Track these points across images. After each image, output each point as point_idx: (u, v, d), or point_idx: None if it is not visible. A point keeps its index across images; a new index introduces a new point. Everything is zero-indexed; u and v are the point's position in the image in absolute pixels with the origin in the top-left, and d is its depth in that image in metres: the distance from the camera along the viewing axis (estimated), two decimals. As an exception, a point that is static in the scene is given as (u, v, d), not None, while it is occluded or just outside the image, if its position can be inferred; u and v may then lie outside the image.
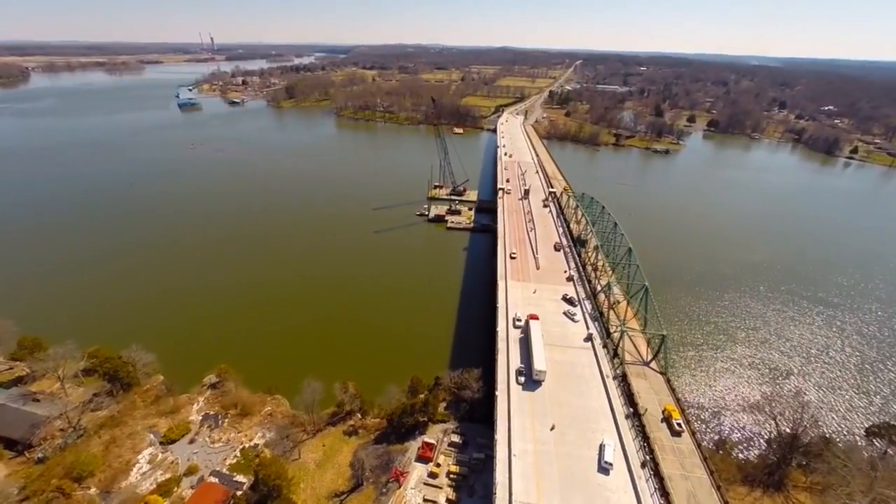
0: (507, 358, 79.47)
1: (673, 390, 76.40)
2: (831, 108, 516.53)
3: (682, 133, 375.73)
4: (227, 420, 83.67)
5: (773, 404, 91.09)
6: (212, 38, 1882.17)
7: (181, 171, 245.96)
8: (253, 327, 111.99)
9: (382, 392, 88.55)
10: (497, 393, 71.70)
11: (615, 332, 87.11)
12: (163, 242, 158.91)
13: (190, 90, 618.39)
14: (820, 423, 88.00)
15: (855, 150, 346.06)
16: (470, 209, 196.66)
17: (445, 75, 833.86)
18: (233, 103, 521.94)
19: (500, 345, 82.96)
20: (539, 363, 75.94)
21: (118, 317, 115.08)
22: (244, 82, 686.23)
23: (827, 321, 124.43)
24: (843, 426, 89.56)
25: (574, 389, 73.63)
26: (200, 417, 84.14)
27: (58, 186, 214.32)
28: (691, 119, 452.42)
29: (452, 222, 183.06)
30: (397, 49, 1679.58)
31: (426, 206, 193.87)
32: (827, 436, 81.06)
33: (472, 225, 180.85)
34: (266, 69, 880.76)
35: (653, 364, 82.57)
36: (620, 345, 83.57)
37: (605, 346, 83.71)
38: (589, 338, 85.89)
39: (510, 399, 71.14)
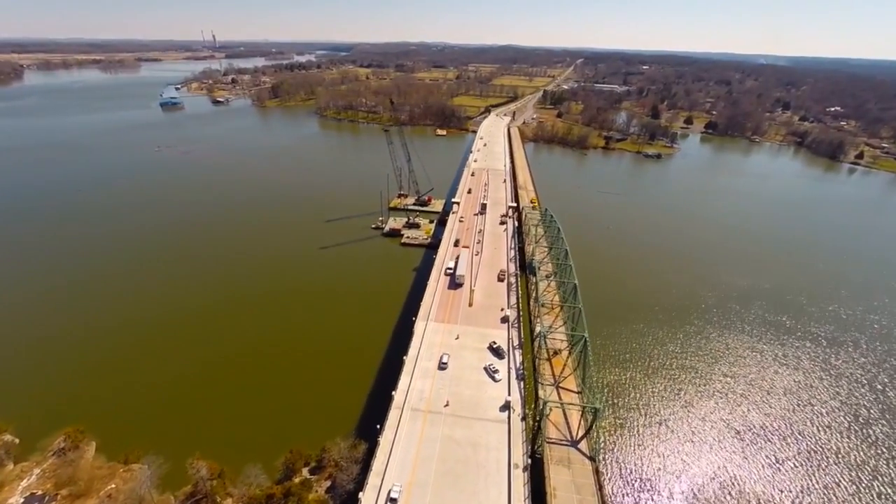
0: (392, 446, 62.50)
1: (601, 487, 59.34)
2: (838, 108, 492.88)
3: (676, 135, 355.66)
4: (54, 503, 67.80)
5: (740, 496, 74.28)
6: (213, 36, 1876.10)
7: (134, 176, 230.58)
8: (136, 375, 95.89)
9: (263, 461, 72.61)
10: (361, 494, 55.01)
11: (543, 397, 70.12)
12: (56, 263, 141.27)
13: (177, 89, 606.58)
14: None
15: (861, 155, 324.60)
16: (431, 222, 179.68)
17: (441, 74, 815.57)
18: (216, 102, 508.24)
19: (389, 425, 65.93)
20: (461, 270, 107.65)
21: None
22: (233, 80, 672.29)
23: (817, 364, 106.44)
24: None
25: (467, 488, 56.78)
26: (23, 499, 68.31)
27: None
28: (688, 120, 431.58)
29: (408, 237, 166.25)
30: (399, 47, 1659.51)
31: (381, 218, 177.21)
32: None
33: (429, 240, 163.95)
34: (259, 67, 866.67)
35: (583, 444, 65.53)
36: (544, 418, 66.59)
37: (524, 419, 66.72)
38: (506, 407, 68.87)
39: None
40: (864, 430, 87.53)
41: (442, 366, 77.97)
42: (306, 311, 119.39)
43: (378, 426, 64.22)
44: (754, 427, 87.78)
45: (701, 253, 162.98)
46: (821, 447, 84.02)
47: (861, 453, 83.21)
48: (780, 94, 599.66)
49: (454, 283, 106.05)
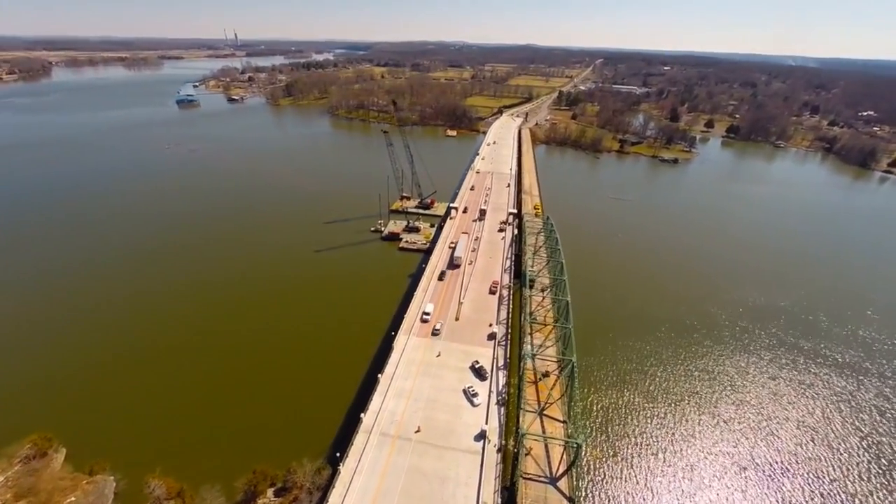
0: (353, 476, 57.90)
1: (578, 534, 53.65)
2: (871, 113, 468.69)
3: (695, 139, 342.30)
4: (9, 518, 65.50)
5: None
6: (235, 35, 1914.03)
7: (137, 174, 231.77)
8: (114, 379, 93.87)
9: (228, 479, 69.26)
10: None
11: (523, 427, 64.44)
12: (35, 262, 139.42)
13: (195, 86, 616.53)
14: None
15: (894, 163, 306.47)
16: (432, 226, 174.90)
17: (457, 73, 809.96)
18: (231, 100, 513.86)
19: (353, 452, 61.37)
20: (458, 253, 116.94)
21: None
22: (250, 79, 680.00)
23: (837, 394, 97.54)
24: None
25: (429, 529, 51.83)
26: (-21, 512, 66.23)
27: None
28: (709, 124, 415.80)
29: (406, 241, 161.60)
30: (417, 46, 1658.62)
31: (381, 221, 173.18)
32: None
33: (427, 245, 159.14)
34: (277, 66, 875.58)
35: (562, 482, 59.77)
36: (521, 451, 61.04)
37: (499, 451, 61.32)
38: (482, 436, 63.56)
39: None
40: (887, 474, 79.08)
41: (425, 318, 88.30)
42: (289, 319, 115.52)
43: (338, 454, 59.63)
44: (762, 464, 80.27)
45: (715, 266, 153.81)
46: (836, 490, 76.10)
47: (881, 500, 75.04)
48: (809, 97, 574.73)
49: (452, 265, 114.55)
